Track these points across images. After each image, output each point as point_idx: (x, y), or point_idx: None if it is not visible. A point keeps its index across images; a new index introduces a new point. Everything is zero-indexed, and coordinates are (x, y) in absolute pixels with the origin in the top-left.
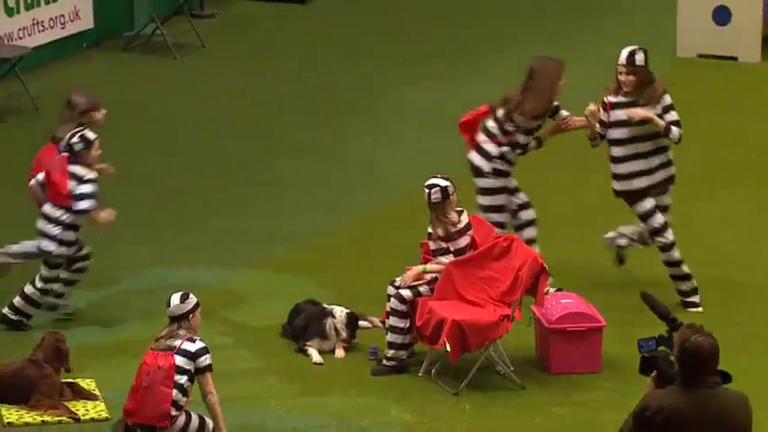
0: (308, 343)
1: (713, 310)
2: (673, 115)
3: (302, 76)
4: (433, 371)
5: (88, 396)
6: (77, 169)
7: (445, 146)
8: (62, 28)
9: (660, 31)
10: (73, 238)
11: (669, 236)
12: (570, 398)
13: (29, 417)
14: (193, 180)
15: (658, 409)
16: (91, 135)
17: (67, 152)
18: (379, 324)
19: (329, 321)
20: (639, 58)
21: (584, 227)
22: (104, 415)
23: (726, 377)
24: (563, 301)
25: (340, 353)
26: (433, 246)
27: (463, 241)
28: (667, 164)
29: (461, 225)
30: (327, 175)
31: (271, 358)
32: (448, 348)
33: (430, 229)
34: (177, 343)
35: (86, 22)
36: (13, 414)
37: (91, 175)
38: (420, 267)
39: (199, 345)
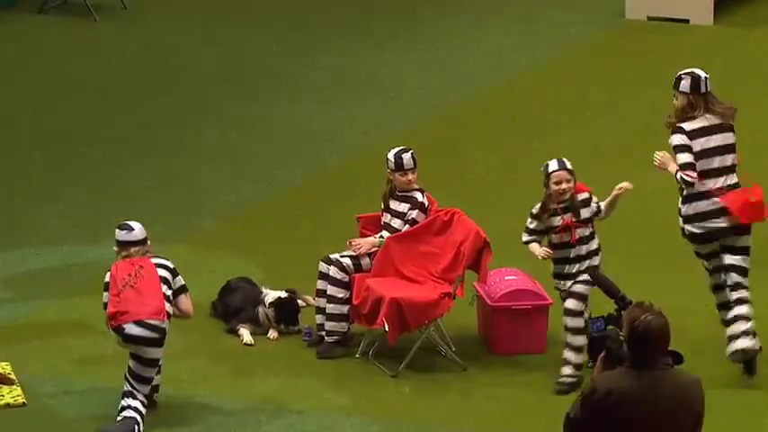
0: (242, 324)
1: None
2: None
3: (228, 38)
4: (370, 352)
5: (3, 380)
6: None
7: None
8: None
9: None
10: None
11: None
12: (515, 379)
13: None
14: (113, 149)
15: (607, 391)
16: None
17: None
18: (313, 302)
19: (261, 310)
20: None
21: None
22: (21, 400)
23: (678, 358)
24: (507, 277)
25: (273, 334)
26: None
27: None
28: None
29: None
30: (254, 144)
31: (199, 339)
32: (386, 328)
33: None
34: (148, 256)
35: None
36: None
37: None
38: (377, 239)
39: (171, 263)
